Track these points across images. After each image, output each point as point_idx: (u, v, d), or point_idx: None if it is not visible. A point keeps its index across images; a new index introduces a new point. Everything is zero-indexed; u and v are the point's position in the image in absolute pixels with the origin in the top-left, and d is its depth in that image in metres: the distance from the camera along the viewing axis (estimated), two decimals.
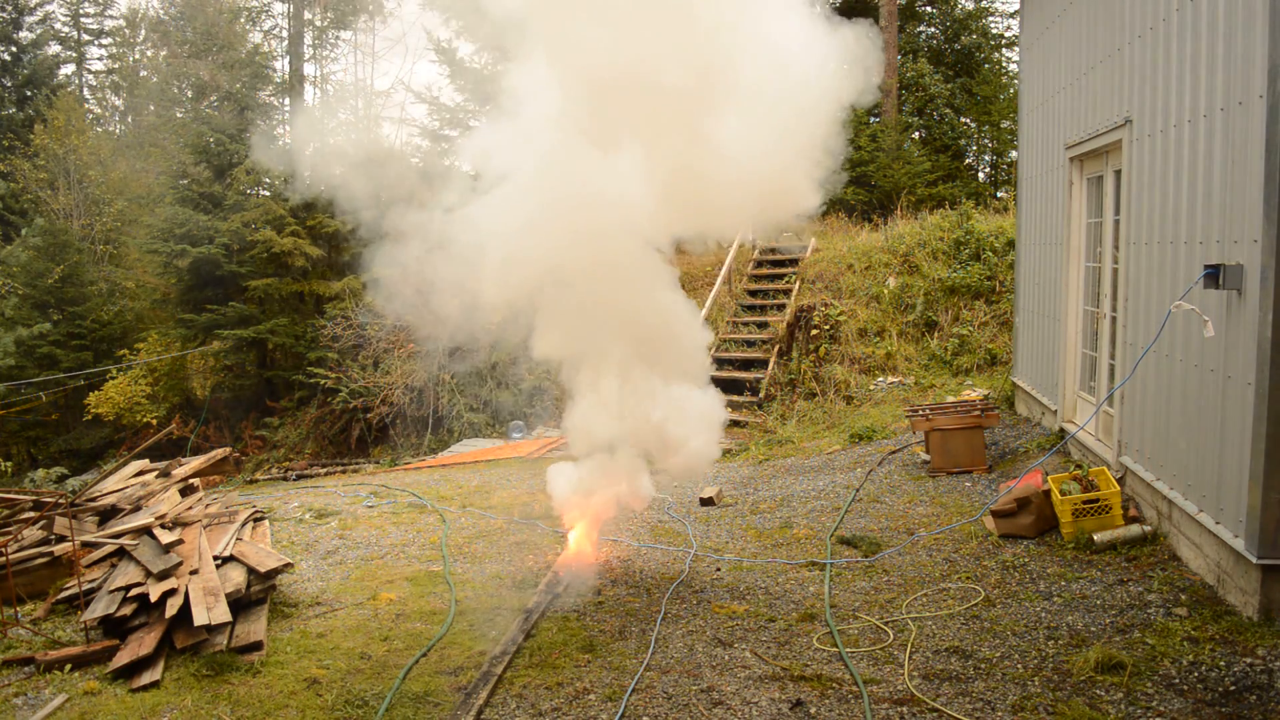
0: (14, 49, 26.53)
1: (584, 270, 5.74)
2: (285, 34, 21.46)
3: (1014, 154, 19.21)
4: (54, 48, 28.83)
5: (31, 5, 27.70)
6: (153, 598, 5.40)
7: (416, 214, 6.71)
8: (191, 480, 8.15)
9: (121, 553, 6.34)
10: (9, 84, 26.11)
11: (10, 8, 26.68)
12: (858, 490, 8.20)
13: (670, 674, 4.81)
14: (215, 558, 6.04)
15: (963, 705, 4.25)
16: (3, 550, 6.12)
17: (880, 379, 12.27)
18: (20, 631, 5.60)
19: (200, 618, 5.21)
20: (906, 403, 11.07)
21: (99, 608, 5.44)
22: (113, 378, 17.83)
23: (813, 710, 4.32)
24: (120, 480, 8.05)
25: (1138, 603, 5.13)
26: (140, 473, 8.36)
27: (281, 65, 20.76)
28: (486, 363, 15.49)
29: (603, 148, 5.64)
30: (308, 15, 20.96)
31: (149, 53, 29.35)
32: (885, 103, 20.48)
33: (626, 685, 4.67)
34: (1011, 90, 19.73)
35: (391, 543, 7.60)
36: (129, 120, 29.13)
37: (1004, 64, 21.58)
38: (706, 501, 8.44)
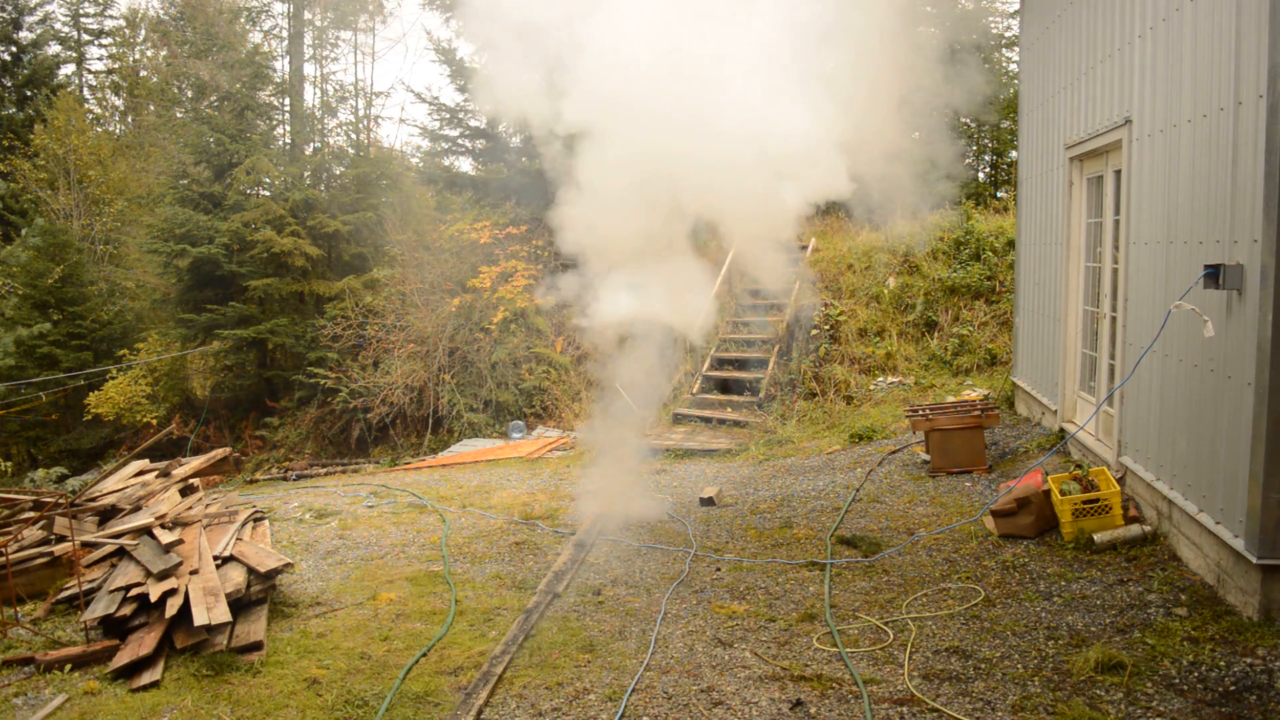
0: (14, 49, 26.50)
1: None
2: (285, 34, 21.43)
3: (1014, 154, 19.19)
4: (54, 48, 28.78)
5: (31, 5, 27.67)
6: (153, 598, 5.40)
7: None
8: (191, 480, 8.15)
9: (121, 553, 6.34)
10: (9, 84, 26.09)
11: (10, 8, 26.64)
12: (858, 490, 8.20)
13: (670, 674, 4.81)
14: (215, 558, 6.04)
15: (963, 705, 4.25)
16: (3, 550, 6.12)
17: (880, 379, 12.27)
18: (20, 631, 5.60)
19: (200, 618, 5.21)
20: (906, 403, 11.08)
21: (99, 608, 5.44)
22: (113, 378, 17.82)
23: (813, 710, 4.32)
24: (120, 480, 8.05)
25: (1138, 603, 5.13)
26: (140, 473, 8.36)
27: (281, 65, 20.74)
28: (487, 363, 15.49)
29: None
30: (308, 15, 20.92)
31: (149, 53, 29.33)
32: None
33: (626, 685, 4.67)
34: (1011, 90, 19.73)
35: (391, 543, 7.60)
36: (129, 120, 29.11)
37: (1004, 64, 21.57)
38: (706, 501, 8.44)
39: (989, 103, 19.34)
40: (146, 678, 4.91)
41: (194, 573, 5.75)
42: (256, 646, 5.27)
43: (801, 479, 8.99)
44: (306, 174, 19.77)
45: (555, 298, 14.92)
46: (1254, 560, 4.59)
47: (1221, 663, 4.36)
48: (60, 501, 7.17)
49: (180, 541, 6.18)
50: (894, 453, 9.25)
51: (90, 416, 17.75)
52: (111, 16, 30.48)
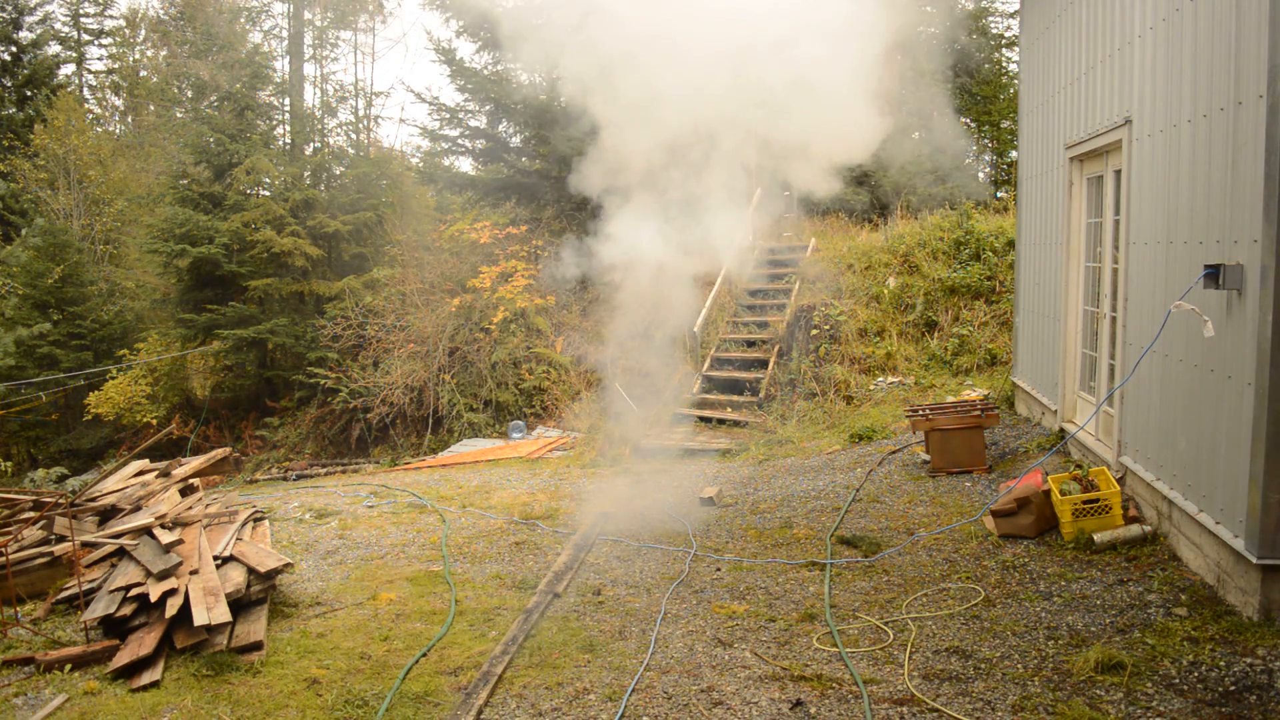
0: (14, 49, 26.51)
1: None
2: (285, 34, 21.42)
3: (1014, 154, 19.21)
4: (54, 48, 28.79)
5: (31, 5, 27.69)
6: (153, 598, 5.40)
7: None
8: (191, 480, 8.16)
9: (121, 553, 6.34)
10: (9, 84, 26.09)
11: (10, 8, 26.65)
12: (858, 490, 8.20)
13: (670, 674, 4.81)
14: (215, 558, 6.04)
15: (963, 705, 4.25)
16: (3, 550, 6.12)
17: (880, 379, 12.27)
18: (20, 631, 5.60)
19: (200, 618, 5.22)
20: (906, 403, 11.07)
21: (99, 608, 5.44)
22: (113, 378, 17.82)
23: (813, 710, 4.32)
24: (120, 480, 8.05)
25: (1138, 603, 5.13)
26: (140, 473, 8.36)
27: (281, 65, 20.73)
28: (487, 363, 15.48)
29: None
30: (308, 15, 20.92)
31: (149, 53, 29.35)
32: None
33: (626, 685, 4.67)
34: (1011, 90, 19.74)
35: (391, 543, 7.60)
36: (129, 120, 29.12)
37: (1004, 64, 21.58)
38: (707, 501, 8.44)
39: (986, 98, 19.35)
40: (146, 678, 4.91)
41: (194, 573, 5.76)
42: (256, 646, 5.27)
43: (801, 479, 8.99)
44: (306, 174, 19.76)
45: (560, 281, 14.90)
46: (1254, 560, 4.59)
47: (1221, 663, 4.36)
48: (60, 501, 7.17)
49: (180, 541, 6.18)
50: (894, 453, 9.25)
51: (90, 416, 17.75)
52: (111, 16, 30.52)
